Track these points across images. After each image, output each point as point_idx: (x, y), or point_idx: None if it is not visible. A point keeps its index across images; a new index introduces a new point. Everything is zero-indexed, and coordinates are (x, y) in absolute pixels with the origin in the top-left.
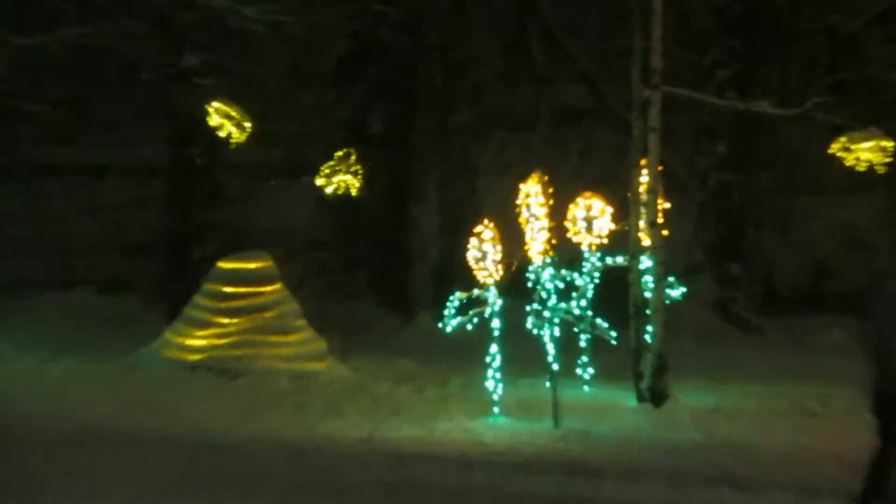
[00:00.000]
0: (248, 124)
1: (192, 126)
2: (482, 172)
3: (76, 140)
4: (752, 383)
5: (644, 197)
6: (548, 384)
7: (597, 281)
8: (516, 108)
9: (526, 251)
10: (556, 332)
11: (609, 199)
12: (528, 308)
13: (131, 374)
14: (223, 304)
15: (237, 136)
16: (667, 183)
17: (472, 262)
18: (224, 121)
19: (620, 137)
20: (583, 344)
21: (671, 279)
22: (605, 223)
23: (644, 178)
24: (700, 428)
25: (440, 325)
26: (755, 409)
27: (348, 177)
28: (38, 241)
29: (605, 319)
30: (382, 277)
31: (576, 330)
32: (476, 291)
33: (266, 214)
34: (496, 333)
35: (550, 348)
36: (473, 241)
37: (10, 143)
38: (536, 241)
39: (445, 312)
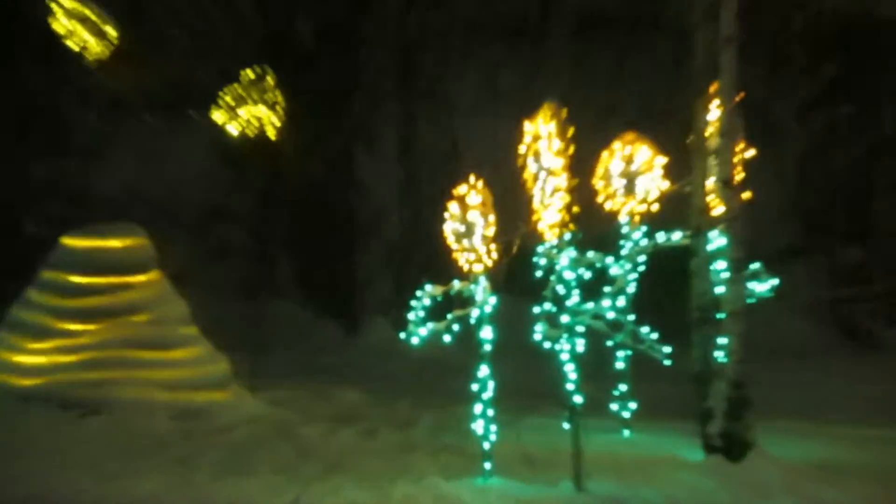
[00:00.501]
0: (111, 31)
1: (24, 32)
2: (464, 107)
3: None
4: (874, 425)
5: (714, 143)
6: (566, 426)
7: (641, 270)
8: (515, 8)
9: (533, 224)
10: (580, 346)
11: (660, 145)
12: (536, 310)
13: None
14: (71, 303)
15: (96, 50)
16: (750, 122)
17: (450, 241)
18: (76, 26)
19: (677, 53)
20: (620, 365)
21: (755, 267)
22: (653, 182)
23: (714, 114)
24: (797, 493)
25: (402, 335)
26: (877, 466)
27: (262, 110)
28: None
29: (653, 328)
30: (315, 265)
31: (610, 344)
32: (457, 285)
33: (136, 169)
34: (487, 348)
35: (570, 372)
36: (453, 208)
37: None
38: (549, 208)
39: (410, 317)
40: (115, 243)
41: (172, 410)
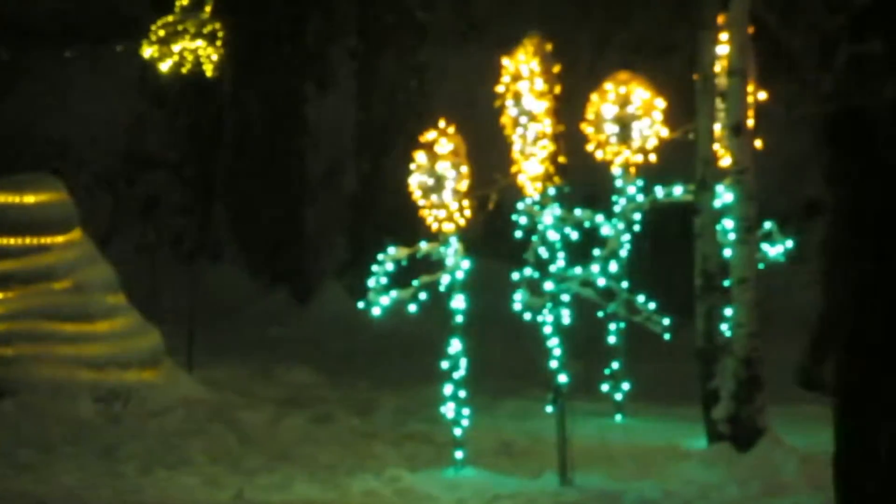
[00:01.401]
0: None
1: None
2: (434, 38)
3: None
4: None
5: (723, 81)
6: (550, 410)
7: (637, 230)
8: None
9: (513, 177)
10: (566, 318)
11: (660, 84)
12: (516, 276)
13: None
14: None
15: None
16: (763, 58)
17: (416, 195)
18: None
19: None
20: (612, 340)
21: (768, 227)
22: (651, 128)
23: (722, 48)
24: (814, 486)
25: (360, 304)
26: None
27: (198, 43)
28: None
29: (650, 297)
30: (259, 222)
31: (601, 315)
32: (424, 246)
33: (50, 111)
34: (459, 320)
35: (555, 347)
36: (420, 157)
37: None
38: (531, 158)
39: (370, 283)
40: (29, 198)
41: (97, 391)
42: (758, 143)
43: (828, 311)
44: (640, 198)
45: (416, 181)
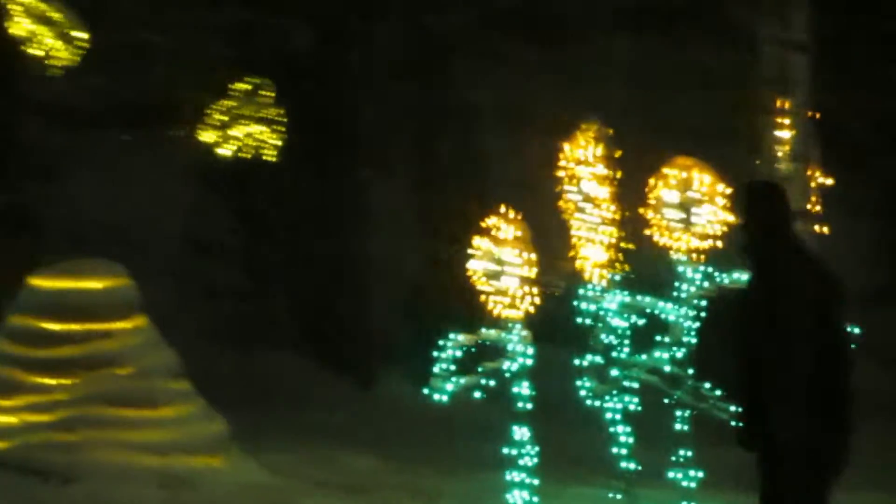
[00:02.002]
0: (80, 35)
1: None
2: (490, 120)
3: None
4: None
5: (785, 167)
6: (617, 497)
7: (703, 316)
8: (551, 3)
9: (575, 263)
10: (632, 405)
11: (722, 170)
12: (580, 363)
13: None
14: (43, 354)
15: (62, 56)
16: (826, 141)
17: (478, 283)
18: (39, 28)
19: (740, 57)
20: (680, 427)
21: None
22: (714, 213)
23: (783, 133)
24: None
25: (425, 390)
26: None
27: (258, 128)
28: None
29: (717, 384)
30: (320, 309)
31: (667, 402)
32: (487, 333)
33: (109, 197)
34: (524, 407)
35: (621, 434)
36: (481, 243)
37: None
38: (594, 244)
39: (434, 370)
40: (92, 284)
41: (161, 477)
42: (823, 229)
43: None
44: (705, 283)
45: (478, 267)
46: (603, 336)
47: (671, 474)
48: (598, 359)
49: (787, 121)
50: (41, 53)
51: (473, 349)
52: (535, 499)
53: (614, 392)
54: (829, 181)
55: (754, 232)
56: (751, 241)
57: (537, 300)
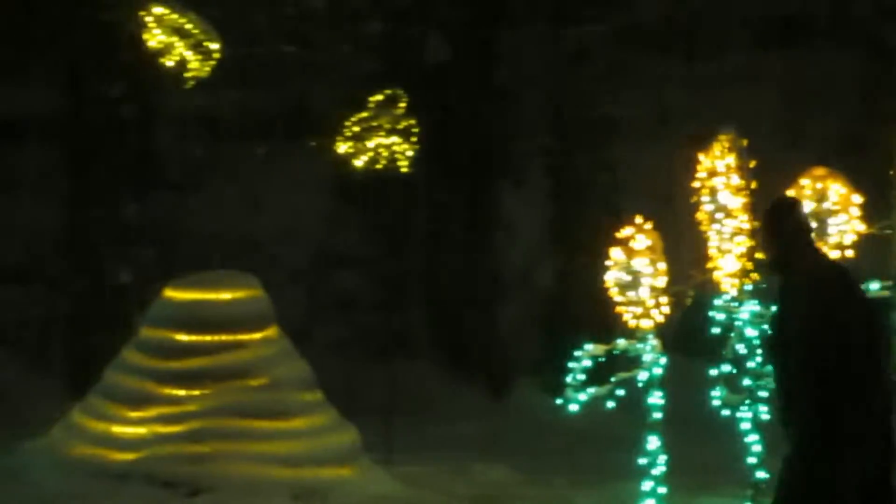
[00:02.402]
0: (214, 46)
1: (112, 50)
2: (626, 133)
3: None
4: None
5: None
6: None
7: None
8: (688, 16)
9: (709, 273)
10: (765, 414)
11: (855, 180)
12: (713, 373)
13: (9, 491)
14: (175, 365)
15: (197, 68)
16: None
17: (612, 293)
18: (173, 40)
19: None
20: None
21: None
22: (848, 224)
23: None
24: None
25: (557, 401)
26: None
27: (393, 139)
28: None
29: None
30: (453, 319)
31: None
32: (621, 343)
33: (242, 208)
34: (657, 417)
35: (753, 444)
36: (616, 254)
37: None
38: (728, 254)
39: (567, 380)
40: (225, 295)
41: (293, 489)
42: None
43: None
44: None
45: (612, 277)
46: (735, 346)
47: None
48: (731, 368)
49: None
50: (176, 65)
51: (606, 359)
52: None
53: (746, 402)
54: None
55: (780, 248)
56: (778, 258)
57: (670, 310)
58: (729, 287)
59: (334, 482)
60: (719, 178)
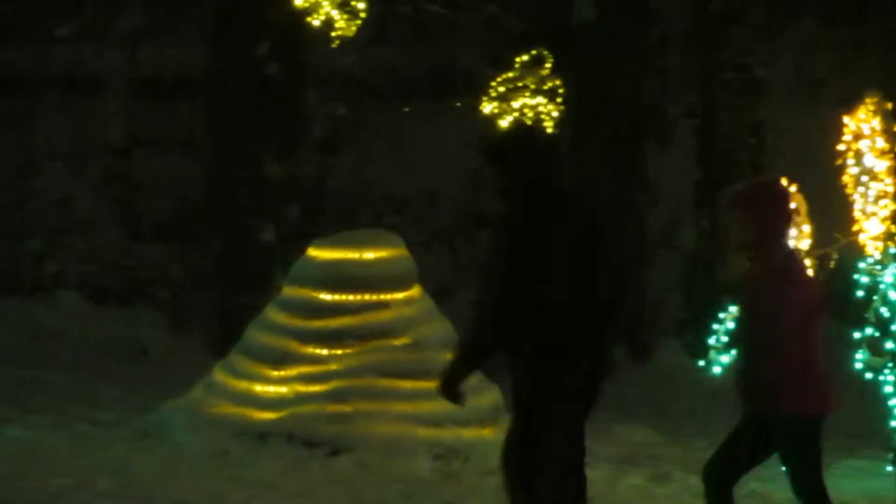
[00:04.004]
0: (361, 6)
1: (259, 9)
2: (772, 92)
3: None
4: None
5: None
6: (890, 469)
7: None
8: None
9: (853, 236)
10: None
11: None
12: (856, 336)
13: (150, 449)
14: (318, 325)
15: (343, 27)
16: None
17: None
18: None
19: None
20: None
21: None
22: None
23: None
24: None
25: (700, 363)
26: None
27: (539, 99)
28: None
29: None
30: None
31: None
32: None
33: (387, 168)
34: None
35: None
36: None
37: None
38: (873, 217)
39: (710, 341)
40: (369, 255)
41: (435, 449)
42: None
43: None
44: None
45: None
46: (879, 309)
47: None
48: (874, 332)
49: None
50: (322, 24)
51: None
52: None
53: (890, 365)
54: None
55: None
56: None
57: (813, 273)
58: (873, 250)
59: (475, 442)
60: (865, 141)
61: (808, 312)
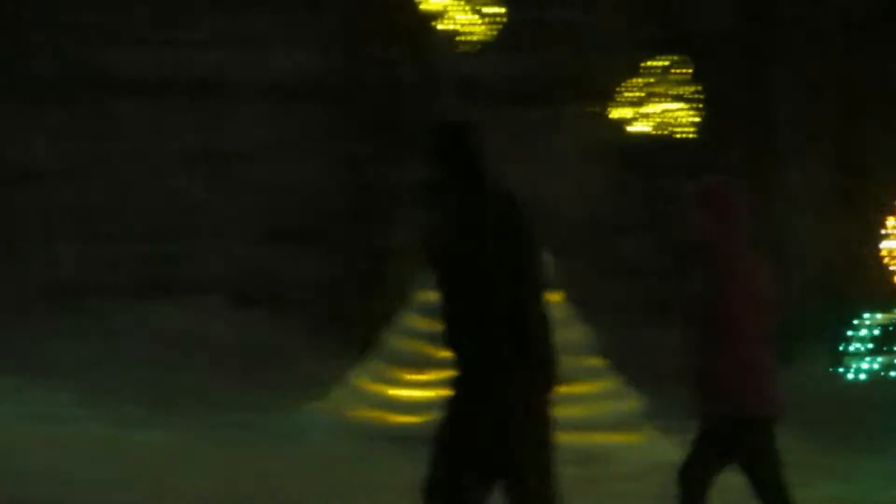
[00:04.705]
0: (491, 11)
1: (389, 13)
2: None
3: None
4: None
5: None
6: None
7: None
8: None
9: None
10: None
11: None
12: None
13: (290, 453)
14: None
15: (477, 32)
16: None
17: (892, 261)
18: (452, 3)
19: None
20: None
21: None
22: None
23: None
24: None
25: (839, 369)
26: None
27: (673, 105)
28: (110, 211)
29: None
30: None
31: None
32: None
33: (519, 173)
34: None
35: None
36: (893, 222)
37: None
38: None
39: (850, 349)
40: None
41: (574, 453)
42: None
43: None
44: None
45: (889, 246)
46: None
47: None
48: None
49: None
50: (451, 29)
51: (890, 328)
52: None
53: None
54: None
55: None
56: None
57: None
58: None
59: (616, 448)
60: None
61: (755, 313)
